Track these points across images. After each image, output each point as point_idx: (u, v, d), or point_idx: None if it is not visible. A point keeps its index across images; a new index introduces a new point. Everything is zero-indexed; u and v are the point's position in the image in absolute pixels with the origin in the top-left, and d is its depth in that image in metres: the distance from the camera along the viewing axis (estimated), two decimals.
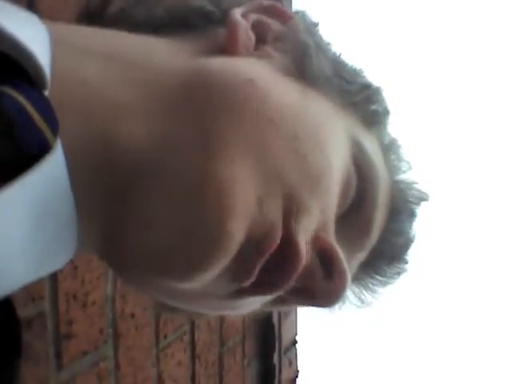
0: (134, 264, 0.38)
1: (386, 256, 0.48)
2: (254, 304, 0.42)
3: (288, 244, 0.37)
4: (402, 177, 0.48)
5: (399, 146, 0.48)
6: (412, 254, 0.49)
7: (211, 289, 0.38)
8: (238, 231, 0.35)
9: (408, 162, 0.48)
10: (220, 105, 0.37)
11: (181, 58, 0.40)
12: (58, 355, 1.01)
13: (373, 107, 0.46)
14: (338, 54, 0.46)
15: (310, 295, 0.40)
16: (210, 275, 0.36)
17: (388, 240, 0.47)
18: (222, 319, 1.61)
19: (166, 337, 1.34)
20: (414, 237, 0.49)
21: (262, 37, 0.44)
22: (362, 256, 0.46)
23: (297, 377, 2.11)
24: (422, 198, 0.49)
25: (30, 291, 0.93)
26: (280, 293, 0.39)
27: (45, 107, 0.30)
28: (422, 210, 0.49)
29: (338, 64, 0.45)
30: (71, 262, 1.02)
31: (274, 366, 1.92)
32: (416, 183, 0.48)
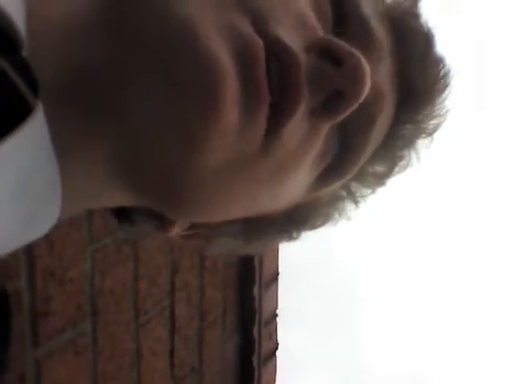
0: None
1: (416, 59, 0.43)
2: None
3: (276, 48, 0.34)
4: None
5: None
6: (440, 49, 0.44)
7: (248, 147, 0.35)
8: (220, 51, 0.32)
9: None
10: None
11: None
12: (35, 332, 1.00)
13: None
14: None
15: (337, 93, 0.36)
16: (230, 109, 0.32)
17: (408, 44, 0.43)
18: (202, 294, 1.62)
19: (145, 312, 1.34)
20: (431, 31, 0.44)
21: None
22: (385, 68, 0.41)
23: (276, 349, 2.13)
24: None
25: (6, 268, 0.92)
26: (302, 105, 0.35)
27: (23, 68, 0.30)
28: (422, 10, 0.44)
29: None
30: (47, 238, 1.00)
31: (253, 339, 1.94)
32: None
